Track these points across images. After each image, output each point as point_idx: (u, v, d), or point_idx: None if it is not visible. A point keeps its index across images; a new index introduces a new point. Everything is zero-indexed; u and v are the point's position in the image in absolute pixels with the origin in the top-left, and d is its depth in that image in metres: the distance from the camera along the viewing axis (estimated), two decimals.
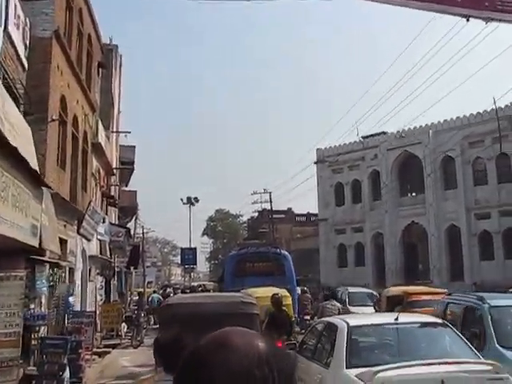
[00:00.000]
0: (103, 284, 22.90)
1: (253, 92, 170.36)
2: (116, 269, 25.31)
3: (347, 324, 7.37)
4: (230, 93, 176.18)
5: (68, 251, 15.92)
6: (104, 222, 22.55)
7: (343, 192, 52.47)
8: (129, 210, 43.45)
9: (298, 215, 72.07)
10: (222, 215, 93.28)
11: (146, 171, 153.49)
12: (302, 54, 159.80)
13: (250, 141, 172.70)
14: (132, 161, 44.02)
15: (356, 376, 6.12)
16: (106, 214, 24.17)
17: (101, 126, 21.93)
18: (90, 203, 17.72)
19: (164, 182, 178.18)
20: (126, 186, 47.83)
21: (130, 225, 48.05)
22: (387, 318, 8.22)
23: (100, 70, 22.85)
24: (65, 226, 15.52)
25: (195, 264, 64.60)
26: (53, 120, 13.95)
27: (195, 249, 62.75)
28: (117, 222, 29.49)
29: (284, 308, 12.70)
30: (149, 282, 75.35)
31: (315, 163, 54.54)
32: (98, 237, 21.34)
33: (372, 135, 50.04)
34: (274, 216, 59.63)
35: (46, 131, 13.80)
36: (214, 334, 1.23)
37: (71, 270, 16.69)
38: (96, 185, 21.38)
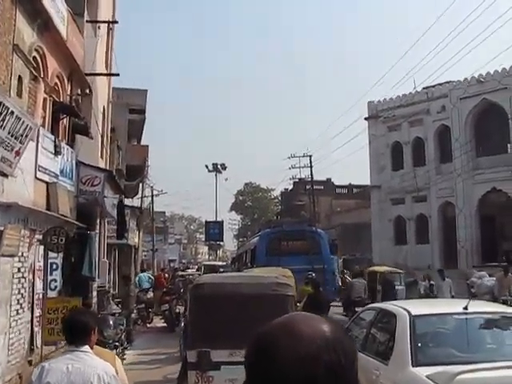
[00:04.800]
0: (58, 262, 12.72)
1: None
2: (97, 238, 15.00)
3: (408, 313, 6.20)
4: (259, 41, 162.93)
5: None
6: (58, 152, 12.29)
7: (402, 153, 41.43)
8: (139, 170, 33.38)
9: (339, 186, 61.48)
10: (251, 189, 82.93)
11: (162, 132, 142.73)
12: None
13: (283, 99, 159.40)
14: (143, 109, 34.19)
15: (428, 377, 5.04)
16: (72, 146, 13.95)
17: None
18: None
19: (185, 149, 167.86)
20: (139, 142, 37.82)
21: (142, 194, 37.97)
22: (454, 306, 7.08)
23: None
24: None
25: (221, 240, 54.84)
26: None
27: (222, 222, 52.79)
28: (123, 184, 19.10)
29: (321, 288, 12.81)
30: (171, 261, 66.37)
31: (366, 119, 43.81)
32: (39, 175, 11.16)
33: (439, 84, 39.10)
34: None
35: None
36: (279, 321, 1.18)
37: None
38: (36, 80, 11.10)
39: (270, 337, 1.14)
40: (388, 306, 7.47)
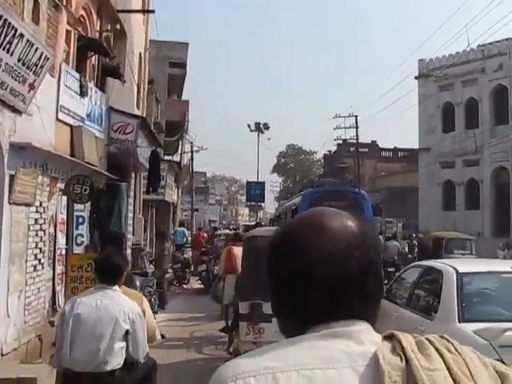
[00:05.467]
0: (85, 215, 11.46)
1: None
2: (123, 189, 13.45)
3: (455, 270, 6.08)
4: None
5: None
6: (84, 93, 10.92)
7: (453, 114, 39.11)
8: (179, 126, 32.04)
9: (384, 150, 59.05)
10: (293, 151, 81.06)
11: (204, 88, 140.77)
12: None
13: (330, 58, 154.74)
14: (184, 62, 32.69)
15: (475, 332, 4.92)
16: (102, 90, 12.59)
17: None
18: None
19: (227, 107, 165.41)
20: (179, 97, 36.44)
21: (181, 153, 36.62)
22: (500, 265, 7.36)
23: None
24: None
25: (262, 201, 53.36)
26: None
27: (263, 183, 51.28)
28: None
29: None
30: (211, 221, 65.67)
31: (416, 78, 41.38)
32: (61, 116, 9.84)
33: (496, 41, 36.33)
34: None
35: None
36: (307, 218, 1.15)
37: None
38: (57, 8, 9.65)
39: (299, 232, 1.09)
40: (434, 263, 7.37)
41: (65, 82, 9.95)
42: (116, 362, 4.10)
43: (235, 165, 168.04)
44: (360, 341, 1.02)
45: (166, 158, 27.08)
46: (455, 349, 1.02)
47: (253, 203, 55.15)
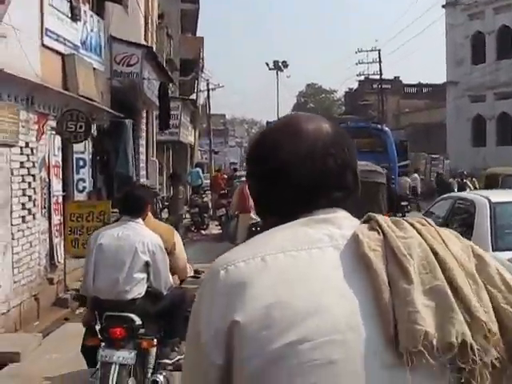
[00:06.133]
0: (86, 157, 10.05)
1: None
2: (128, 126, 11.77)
3: (488, 200, 6.05)
4: None
5: None
6: (76, 16, 9.30)
7: (484, 44, 36.52)
8: (194, 63, 30.24)
9: (407, 85, 56.45)
10: (313, 90, 78.51)
11: (220, 26, 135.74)
12: None
13: None
14: None
15: (509, 260, 4.63)
16: (101, 16, 10.95)
17: None
18: None
19: (244, 45, 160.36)
20: (193, 34, 34.49)
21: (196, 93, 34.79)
22: None
23: None
24: None
25: None
26: None
27: None
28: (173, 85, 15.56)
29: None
30: (232, 163, 64.42)
31: (443, 6, 38.67)
32: (47, 41, 8.28)
33: None
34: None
35: None
36: (282, 123, 1.17)
37: None
38: None
39: (274, 135, 1.12)
40: (466, 194, 7.45)
41: (50, 2, 8.38)
42: (137, 291, 4.21)
43: (253, 104, 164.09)
44: (340, 226, 1.04)
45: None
46: (428, 223, 1.06)
47: None
